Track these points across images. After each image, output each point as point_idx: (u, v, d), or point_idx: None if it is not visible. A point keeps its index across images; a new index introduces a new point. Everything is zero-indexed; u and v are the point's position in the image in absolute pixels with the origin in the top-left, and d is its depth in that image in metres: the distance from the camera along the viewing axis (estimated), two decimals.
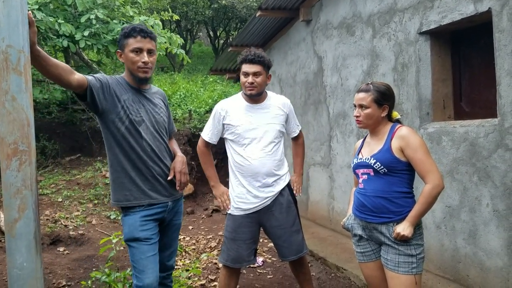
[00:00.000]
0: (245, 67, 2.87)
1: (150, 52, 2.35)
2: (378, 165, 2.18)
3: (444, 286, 3.37)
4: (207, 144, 3.05)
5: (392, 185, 2.18)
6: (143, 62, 2.31)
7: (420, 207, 2.11)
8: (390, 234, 2.16)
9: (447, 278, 3.49)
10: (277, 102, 3.02)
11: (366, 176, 2.26)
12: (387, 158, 2.17)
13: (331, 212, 5.36)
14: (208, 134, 3.02)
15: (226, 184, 3.20)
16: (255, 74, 2.85)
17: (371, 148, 2.29)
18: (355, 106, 2.30)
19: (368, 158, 2.23)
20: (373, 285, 2.36)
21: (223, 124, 2.97)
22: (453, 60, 3.74)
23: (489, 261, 3.11)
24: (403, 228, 2.10)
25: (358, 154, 2.36)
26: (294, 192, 3.07)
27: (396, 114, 2.33)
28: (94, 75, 2.27)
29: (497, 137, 3.00)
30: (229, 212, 2.98)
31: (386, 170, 2.17)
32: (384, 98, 2.25)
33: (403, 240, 2.12)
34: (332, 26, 5.16)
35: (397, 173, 2.17)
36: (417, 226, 2.17)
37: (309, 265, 4.26)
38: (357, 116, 2.28)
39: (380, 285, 2.32)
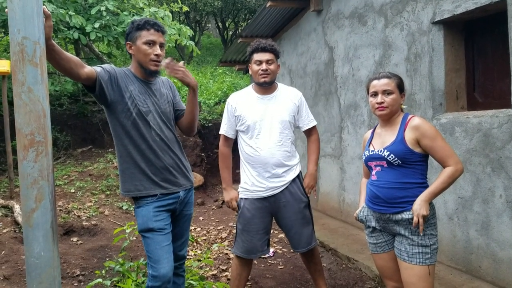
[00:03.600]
0: (258, 56, 2.90)
1: (161, 46, 2.38)
2: (392, 157, 2.16)
3: (456, 277, 3.36)
4: (225, 140, 3.06)
5: (406, 176, 2.16)
6: (156, 55, 2.33)
7: (439, 185, 2.09)
8: (407, 222, 2.13)
9: (459, 269, 3.48)
10: (287, 94, 3.03)
11: (380, 168, 2.23)
12: (401, 150, 2.15)
13: (342, 204, 5.36)
14: (224, 128, 3.06)
15: (236, 175, 3.21)
16: (268, 61, 2.89)
17: (382, 140, 2.26)
18: (374, 94, 2.25)
19: (381, 150, 2.21)
20: (386, 276, 2.36)
21: (235, 116, 2.98)
22: (467, 50, 3.69)
23: (502, 252, 3.09)
24: (420, 206, 2.06)
25: (369, 146, 2.34)
26: (307, 193, 3.03)
27: (402, 106, 2.32)
28: (103, 66, 2.29)
29: (511, 127, 2.97)
30: (239, 196, 3.01)
31: (400, 162, 2.15)
32: (403, 85, 2.29)
33: (418, 227, 2.10)
34: (344, 16, 5.11)
35: (411, 164, 2.16)
36: (432, 216, 2.15)
37: (320, 256, 4.27)
38: (381, 103, 2.21)
39: (393, 276, 2.31)
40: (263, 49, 2.89)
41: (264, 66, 2.87)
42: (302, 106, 3.06)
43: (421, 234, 2.10)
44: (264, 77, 2.88)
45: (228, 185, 3.05)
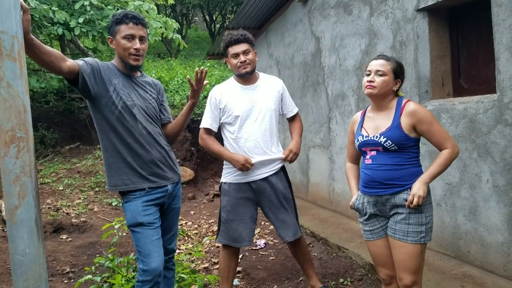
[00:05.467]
0: (233, 49, 2.90)
1: (141, 39, 2.35)
2: (389, 143, 2.16)
3: (445, 263, 3.39)
4: (207, 131, 3.02)
5: (401, 159, 2.18)
6: (135, 49, 2.32)
7: (437, 168, 2.13)
8: (403, 201, 2.15)
9: (448, 255, 3.51)
10: (269, 82, 3.07)
11: (375, 152, 2.24)
12: (398, 136, 2.15)
13: (332, 194, 5.38)
14: (208, 121, 3.01)
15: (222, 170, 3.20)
16: (244, 52, 2.89)
17: (376, 124, 2.25)
18: (368, 73, 2.25)
19: (377, 136, 2.20)
20: (380, 263, 2.35)
21: (220, 109, 2.98)
22: (451, 37, 3.70)
23: (489, 237, 3.13)
24: (418, 188, 2.10)
25: (360, 130, 2.33)
26: (284, 157, 2.97)
27: (400, 93, 2.32)
28: (85, 59, 2.27)
29: (496, 112, 2.99)
30: (224, 181, 3.03)
31: (396, 148, 2.16)
32: (401, 72, 2.28)
33: (414, 206, 2.11)
34: (329, 6, 5.10)
35: (407, 149, 2.18)
36: (428, 197, 2.17)
37: (311, 245, 4.30)
38: (371, 81, 2.21)
39: (387, 263, 2.31)
40: (237, 41, 2.89)
41: (242, 58, 2.87)
42: (285, 93, 3.10)
43: (419, 206, 2.12)
44: (244, 68, 2.89)
45: (229, 153, 2.92)
